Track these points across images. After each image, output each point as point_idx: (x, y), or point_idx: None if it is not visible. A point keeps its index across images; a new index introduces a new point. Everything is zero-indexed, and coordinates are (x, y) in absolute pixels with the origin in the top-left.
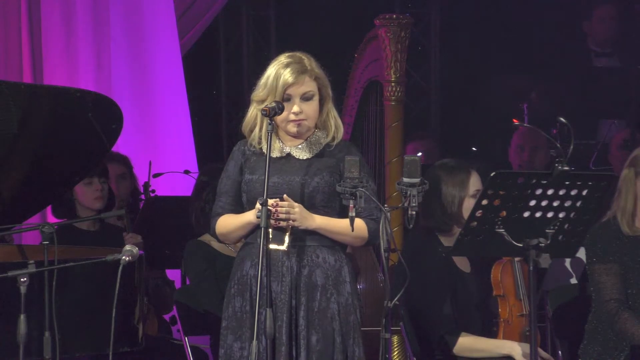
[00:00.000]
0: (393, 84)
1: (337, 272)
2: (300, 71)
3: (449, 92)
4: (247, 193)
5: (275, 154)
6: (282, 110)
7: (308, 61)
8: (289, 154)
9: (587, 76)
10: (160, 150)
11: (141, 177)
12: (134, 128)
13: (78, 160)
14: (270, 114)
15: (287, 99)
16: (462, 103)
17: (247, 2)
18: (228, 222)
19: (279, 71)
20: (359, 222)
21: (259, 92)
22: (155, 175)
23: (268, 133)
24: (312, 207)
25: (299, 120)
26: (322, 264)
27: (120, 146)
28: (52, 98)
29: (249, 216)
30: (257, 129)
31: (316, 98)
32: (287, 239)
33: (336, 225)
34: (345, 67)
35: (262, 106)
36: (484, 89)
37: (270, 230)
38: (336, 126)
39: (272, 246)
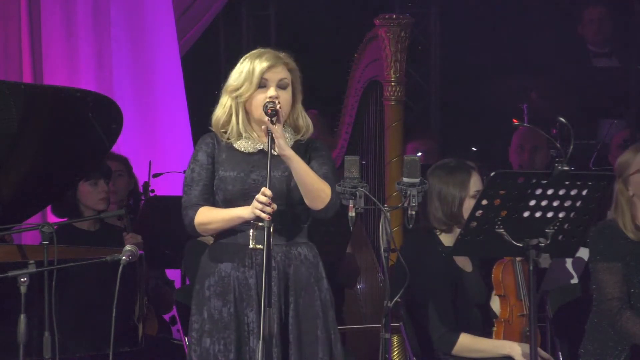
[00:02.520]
0: (393, 84)
1: (315, 269)
2: (276, 58)
3: (449, 92)
4: (224, 191)
5: (249, 149)
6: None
7: (286, 56)
8: (262, 150)
9: (587, 76)
10: (160, 150)
11: (141, 177)
12: (134, 128)
13: (78, 160)
14: (272, 113)
15: (263, 85)
16: (462, 103)
17: (247, 2)
18: (212, 214)
19: (254, 60)
20: (325, 185)
21: (232, 81)
22: (155, 175)
23: (268, 132)
24: (292, 203)
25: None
26: (305, 260)
27: (120, 146)
28: (52, 98)
29: (241, 211)
30: (233, 120)
31: (289, 90)
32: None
33: (306, 166)
34: (345, 67)
35: (236, 94)
36: (483, 89)
37: (251, 231)
38: (306, 124)
39: (256, 246)
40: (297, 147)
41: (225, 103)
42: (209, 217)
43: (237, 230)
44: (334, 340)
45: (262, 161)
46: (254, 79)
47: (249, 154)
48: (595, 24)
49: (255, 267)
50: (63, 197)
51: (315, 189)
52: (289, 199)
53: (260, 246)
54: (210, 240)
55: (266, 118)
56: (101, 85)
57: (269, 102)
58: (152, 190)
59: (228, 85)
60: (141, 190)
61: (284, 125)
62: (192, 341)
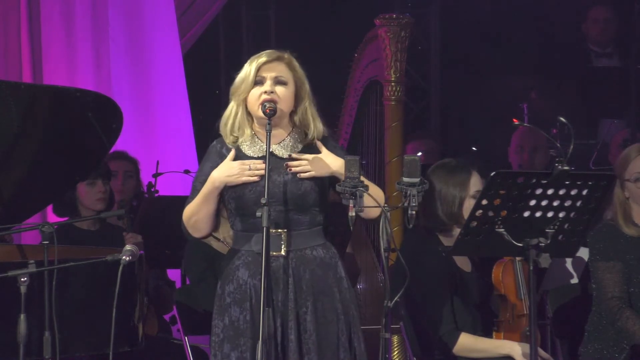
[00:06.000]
0: (393, 84)
1: (333, 270)
2: (275, 56)
3: (449, 92)
4: (237, 200)
5: (257, 153)
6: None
7: (287, 55)
8: (271, 153)
9: (587, 76)
10: (160, 150)
11: (141, 177)
12: (134, 128)
13: (78, 160)
14: (270, 113)
15: (259, 81)
16: (462, 103)
17: (247, 2)
18: (192, 203)
19: (252, 60)
20: (378, 190)
21: (235, 84)
22: (155, 175)
23: (267, 133)
24: (305, 208)
25: (271, 99)
26: (320, 263)
27: (120, 146)
28: (52, 98)
29: (208, 185)
30: (238, 121)
31: (290, 88)
32: (283, 244)
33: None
34: (345, 67)
35: (236, 94)
36: (484, 89)
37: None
38: (316, 125)
39: (272, 253)
40: (310, 152)
41: (231, 107)
42: (191, 207)
43: (252, 237)
44: (356, 341)
45: (274, 163)
46: (250, 76)
47: (258, 158)
48: (600, 24)
49: (272, 274)
50: (63, 196)
51: (380, 198)
52: (301, 203)
53: (276, 253)
54: (211, 240)
55: (263, 115)
56: (100, 85)
57: (266, 101)
58: (157, 191)
59: (232, 88)
60: (144, 190)
61: (292, 128)
62: (213, 345)
